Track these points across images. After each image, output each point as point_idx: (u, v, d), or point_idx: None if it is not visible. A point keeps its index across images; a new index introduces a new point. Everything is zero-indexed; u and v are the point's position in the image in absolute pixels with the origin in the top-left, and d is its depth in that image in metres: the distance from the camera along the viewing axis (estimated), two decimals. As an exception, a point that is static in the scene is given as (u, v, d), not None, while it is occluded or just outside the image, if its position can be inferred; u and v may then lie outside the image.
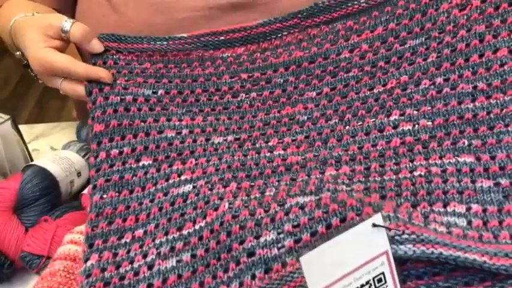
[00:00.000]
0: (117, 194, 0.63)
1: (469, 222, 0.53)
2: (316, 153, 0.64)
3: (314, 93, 0.68)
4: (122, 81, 0.69)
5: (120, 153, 0.65)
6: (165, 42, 0.71)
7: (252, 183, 0.61)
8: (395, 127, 0.62)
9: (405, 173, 0.58)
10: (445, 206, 0.54)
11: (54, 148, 0.96)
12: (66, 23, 0.71)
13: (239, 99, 0.70)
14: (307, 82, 0.69)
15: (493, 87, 0.59)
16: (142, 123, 0.67)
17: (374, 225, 0.45)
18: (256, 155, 0.65)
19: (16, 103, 2.74)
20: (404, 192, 0.56)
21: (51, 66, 0.70)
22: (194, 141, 0.66)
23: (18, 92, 2.83)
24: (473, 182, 0.56)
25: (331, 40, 0.69)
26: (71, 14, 0.92)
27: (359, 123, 0.64)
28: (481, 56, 0.60)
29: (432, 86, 0.62)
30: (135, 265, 0.56)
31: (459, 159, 0.58)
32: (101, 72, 0.69)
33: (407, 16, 0.66)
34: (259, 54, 0.71)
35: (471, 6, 0.62)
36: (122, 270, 0.56)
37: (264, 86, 0.70)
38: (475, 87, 0.60)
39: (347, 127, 0.65)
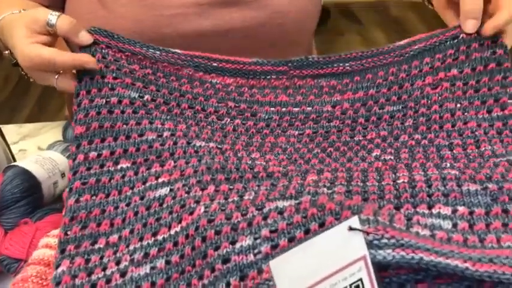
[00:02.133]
0: (92, 197, 0.61)
1: (455, 225, 0.51)
2: (298, 168, 0.64)
3: (296, 132, 0.71)
4: (110, 78, 0.67)
5: (99, 155, 0.64)
6: (157, 52, 0.71)
7: (231, 187, 0.58)
8: (377, 158, 0.65)
9: (388, 181, 0.57)
10: (429, 208, 0.53)
11: (41, 148, 0.95)
12: (52, 16, 0.69)
13: (223, 121, 0.71)
14: (291, 123, 0.72)
15: (467, 143, 0.65)
16: (124, 126, 0.65)
17: (350, 228, 0.43)
18: (237, 160, 0.64)
19: (16, 102, 2.74)
20: (387, 195, 0.55)
21: (38, 60, 0.68)
22: (175, 143, 0.64)
23: (18, 92, 2.83)
24: (459, 186, 0.54)
25: (315, 94, 0.73)
26: (60, 11, 0.91)
27: (341, 155, 0.67)
28: (453, 126, 0.67)
29: (411, 139, 0.67)
30: (108, 272, 0.54)
31: (443, 171, 0.57)
32: (85, 57, 0.67)
33: (386, 86, 0.71)
34: (246, 89, 0.73)
35: (442, 87, 0.69)
36: (93, 277, 0.54)
37: (249, 117, 0.71)
38: (451, 143, 0.65)
39: (329, 156, 0.67)
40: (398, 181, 0.56)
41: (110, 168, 0.63)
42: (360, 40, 3.35)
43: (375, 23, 3.57)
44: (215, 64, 0.73)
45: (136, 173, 0.63)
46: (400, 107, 0.70)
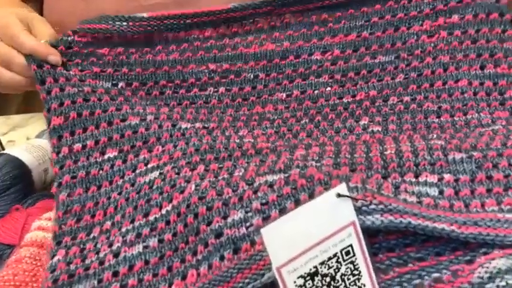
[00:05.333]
0: (85, 191, 0.60)
1: (441, 192, 0.52)
2: (286, 143, 0.63)
3: (284, 95, 0.68)
4: (76, 71, 0.65)
5: (84, 147, 0.62)
6: (124, 23, 0.66)
7: (221, 165, 0.58)
8: (364, 129, 0.65)
9: (375, 152, 0.58)
10: (416, 177, 0.53)
11: (30, 138, 0.95)
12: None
13: (207, 93, 0.68)
14: (278, 81, 0.68)
15: (455, 108, 0.65)
16: (103, 113, 0.63)
17: (339, 195, 0.43)
18: (226, 140, 0.63)
19: (5, 94, 2.69)
20: (375, 165, 0.55)
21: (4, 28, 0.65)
22: (160, 126, 0.63)
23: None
24: (445, 155, 0.55)
25: (304, 35, 0.68)
26: (40, 2, 0.90)
27: (329, 124, 0.66)
28: (444, 83, 0.66)
29: (400, 103, 0.66)
30: (101, 254, 0.54)
31: (430, 142, 0.58)
32: (51, 51, 0.64)
33: (381, 27, 0.68)
34: (228, 40, 0.69)
35: (438, 35, 0.67)
36: (87, 261, 0.54)
37: (234, 81, 0.68)
38: (439, 107, 0.65)
39: (317, 126, 0.66)
40: (385, 152, 0.57)
41: (98, 159, 0.62)
42: None
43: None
44: (189, 21, 0.67)
45: (124, 161, 0.62)
46: (393, 57, 0.68)
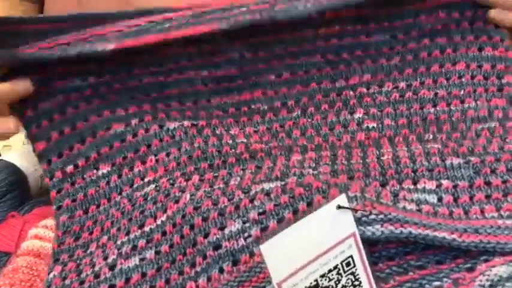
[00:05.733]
0: (85, 212, 0.59)
1: (440, 199, 0.52)
2: (280, 143, 0.61)
3: (273, 76, 0.64)
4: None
5: (76, 167, 0.60)
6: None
7: (216, 174, 0.57)
8: (359, 124, 0.62)
9: (372, 158, 0.57)
10: (415, 184, 0.53)
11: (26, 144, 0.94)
12: None
13: (187, 76, 0.63)
14: (266, 59, 0.64)
15: (452, 95, 0.62)
16: (85, 123, 0.60)
17: (339, 207, 0.43)
18: (218, 141, 0.60)
19: None
20: (372, 172, 0.54)
21: None
22: (147, 131, 0.60)
23: None
24: (442, 160, 0.55)
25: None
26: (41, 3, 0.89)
27: (322, 117, 0.63)
28: (441, 66, 0.64)
29: (395, 90, 0.63)
30: (96, 268, 0.53)
31: (426, 145, 0.57)
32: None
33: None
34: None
35: (436, 15, 0.65)
36: (82, 275, 0.53)
37: (218, 63, 0.63)
38: (435, 94, 0.62)
39: (310, 120, 0.63)
40: (382, 158, 0.56)
41: (93, 177, 0.60)
42: None
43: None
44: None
45: (120, 176, 0.59)
46: (389, 36, 0.65)
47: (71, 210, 0.59)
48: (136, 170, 0.59)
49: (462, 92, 0.62)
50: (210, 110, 0.63)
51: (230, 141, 0.61)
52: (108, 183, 0.59)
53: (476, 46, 0.64)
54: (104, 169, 0.60)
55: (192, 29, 0.57)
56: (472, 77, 0.63)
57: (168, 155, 0.60)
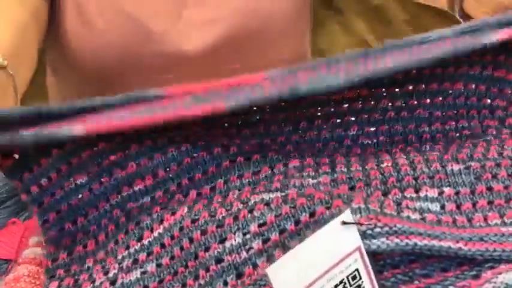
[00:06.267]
0: (73, 223, 0.56)
1: (443, 206, 0.51)
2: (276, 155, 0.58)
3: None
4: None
5: (49, 179, 0.56)
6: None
7: (213, 184, 0.55)
8: (353, 140, 0.59)
9: (372, 165, 0.56)
10: (417, 192, 0.52)
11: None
12: None
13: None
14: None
15: (446, 116, 0.60)
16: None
17: (344, 223, 0.43)
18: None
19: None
20: (373, 181, 0.54)
21: None
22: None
23: None
24: (443, 166, 0.54)
25: None
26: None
27: (315, 133, 0.59)
28: (440, 84, 0.59)
29: (391, 107, 0.60)
30: (97, 283, 0.52)
31: (425, 153, 0.57)
32: None
33: None
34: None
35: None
36: None
37: None
38: (430, 114, 0.60)
39: (303, 136, 0.59)
40: (382, 165, 0.55)
41: (71, 186, 0.56)
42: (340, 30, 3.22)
43: (355, 13, 3.44)
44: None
45: (101, 183, 0.55)
46: None
47: (59, 222, 0.56)
48: (119, 175, 0.55)
49: (456, 113, 0.60)
50: None
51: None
52: (90, 190, 0.55)
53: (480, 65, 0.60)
54: (80, 179, 0.56)
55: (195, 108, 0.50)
56: (466, 98, 0.60)
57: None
